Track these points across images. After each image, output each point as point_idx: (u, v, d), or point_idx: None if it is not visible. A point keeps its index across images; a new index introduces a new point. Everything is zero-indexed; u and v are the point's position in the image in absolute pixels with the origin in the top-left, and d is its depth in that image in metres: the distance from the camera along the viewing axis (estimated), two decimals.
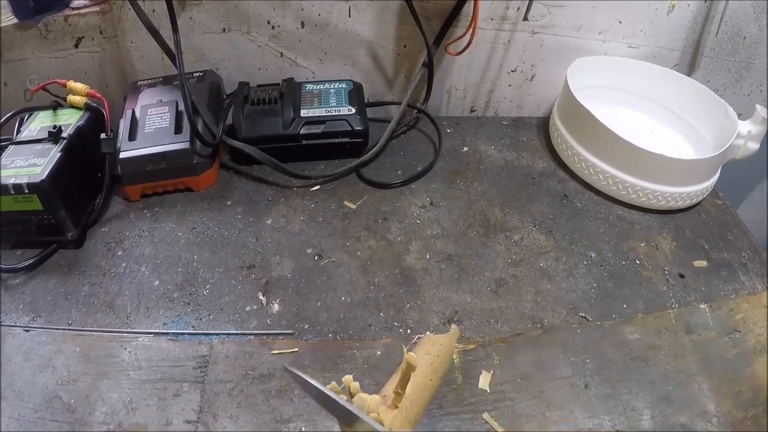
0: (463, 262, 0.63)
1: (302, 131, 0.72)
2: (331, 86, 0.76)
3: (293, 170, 0.70)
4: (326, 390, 0.34)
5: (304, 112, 0.72)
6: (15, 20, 0.68)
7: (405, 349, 0.34)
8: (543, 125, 0.85)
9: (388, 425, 0.35)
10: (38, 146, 0.61)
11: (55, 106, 0.67)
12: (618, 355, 0.54)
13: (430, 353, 0.44)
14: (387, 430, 0.35)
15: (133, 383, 0.50)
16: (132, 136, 0.66)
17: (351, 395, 0.35)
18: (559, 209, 0.70)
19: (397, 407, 0.38)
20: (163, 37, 0.66)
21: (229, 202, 0.69)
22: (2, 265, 0.58)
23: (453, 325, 0.49)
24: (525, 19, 0.75)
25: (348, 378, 0.35)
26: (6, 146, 0.62)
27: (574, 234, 0.67)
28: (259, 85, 0.76)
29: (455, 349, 0.53)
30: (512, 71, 0.82)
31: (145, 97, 0.70)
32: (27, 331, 0.54)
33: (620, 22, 0.78)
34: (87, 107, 0.66)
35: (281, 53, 0.78)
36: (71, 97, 0.66)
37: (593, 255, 0.64)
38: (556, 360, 0.53)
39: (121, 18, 0.72)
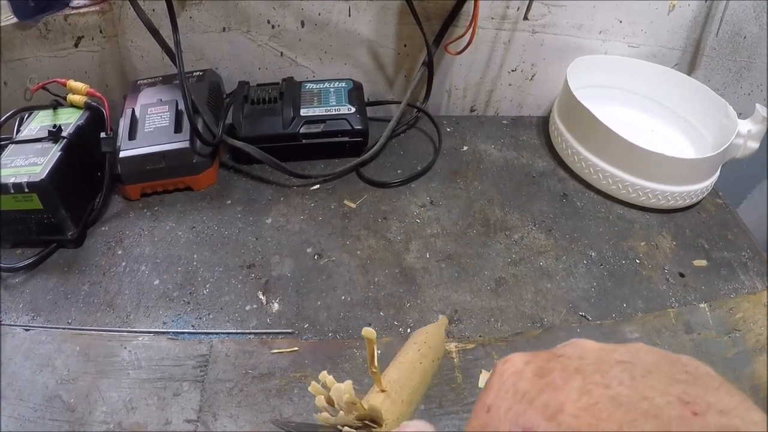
0: (463, 261, 0.63)
1: (302, 130, 0.72)
2: (331, 85, 0.76)
3: (293, 169, 0.70)
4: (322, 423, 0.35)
5: (303, 112, 0.72)
6: (15, 20, 0.68)
7: (363, 329, 0.34)
8: (543, 124, 0.85)
9: (375, 407, 0.36)
10: (38, 145, 0.61)
11: (55, 106, 0.67)
12: None
13: (417, 342, 0.45)
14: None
15: (133, 382, 0.50)
16: (132, 135, 0.66)
17: (328, 389, 0.35)
18: (559, 208, 0.70)
19: (384, 391, 0.38)
20: (163, 36, 0.66)
21: (229, 202, 0.69)
22: (2, 265, 0.58)
23: (441, 316, 0.49)
24: (525, 18, 0.75)
25: (323, 374, 0.35)
26: (6, 145, 0.62)
27: (574, 233, 0.67)
28: (258, 85, 0.76)
29: (455, 349, 0.53)
30: (512, 71, 0.82)
31: (145, 97, 0.70)
32: (27, 330, 0.54)
33: (620, 22, 0.78)
34: (87, 106, 0.66)
35: (281, 53, 0.78)
36: (71, 97, 0.66)
37: (593, 254, 0.64)
38: None
39: (121, 17, 0.72)
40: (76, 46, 0.72)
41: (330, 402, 0.36)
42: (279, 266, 0.61)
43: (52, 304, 0.56)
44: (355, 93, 0.75)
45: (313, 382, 0.36)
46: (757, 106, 0.68)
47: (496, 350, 0.54)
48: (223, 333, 0.55)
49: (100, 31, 0.72)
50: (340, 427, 0.35)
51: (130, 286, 0.59)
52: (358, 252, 0.63)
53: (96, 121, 0.66)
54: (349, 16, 0.74)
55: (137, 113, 0.68)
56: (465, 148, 0.79)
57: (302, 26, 0.75)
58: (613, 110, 0.80)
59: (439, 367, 0.47)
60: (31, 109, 0.67)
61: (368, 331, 0.34)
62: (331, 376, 0.35)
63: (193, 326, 0.55)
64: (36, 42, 0.71)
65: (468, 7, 0.72)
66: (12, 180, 0.56)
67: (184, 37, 0.68)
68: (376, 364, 0.36)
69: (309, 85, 0.76)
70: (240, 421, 0.47)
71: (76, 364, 0.51)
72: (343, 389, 0.34)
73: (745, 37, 0.80)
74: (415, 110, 0.83)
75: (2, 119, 0.64)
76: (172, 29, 0.64)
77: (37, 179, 0.56)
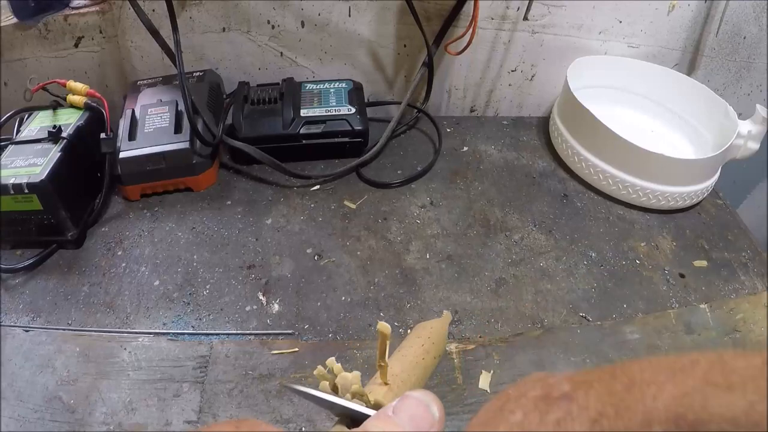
0: (463, 261, 0.63)
1: (302, 131, 0.72)
2: (331, 86, 0.76)
3: (293, 170, 0.70)
4: (327, 396, 0.34)
5: (304, 112, 0.72)
6: (15, 20, 0.68)
7: (378, 322, 0.34)
8: (543, 125, 0.85)
9: (380, 401, 0.36)
10: (38, 146, 0.61)
11: (55, 106, 0.67)
12: (618, 355, 0.54)
13: (420, 336, 0.45)
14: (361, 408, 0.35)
15: (133, 383, 0.50)
16: (132, 135, 0.66)
17: (335, 376, 0.35)
18: (559, 209, 0.70)
19: (387, 384, 0.38)
20: (163, 36, 0.66)
21: (229, 202, 0.69)
22: (2, 265, 0.58)
23: (445, 311, 0.50)
24: (525, 18, 0.75)
25: (331, 360, 0.35)
26: (6, 146, 0.62)
27: (574, 234, 0.67)
28: (259, 85, 0.76)
29: (456, 350, 0.53)
30: (512, 71, 0.82)
31: (145, 97, 0.70)
32: (27, 331, 0.54)
33: (620, 22, 0.78)
34: (87, 107, 0.66)
35: (281, 53, 0.78)
36: (71, 97, 0.66)
37: (593, 255, 0.64)
38: (556, 360, 0.53)
39: (121, 18, 0.72)
40: (76, 46, 0.72)
41: (334, 389, 0.36)
42: (279, 267, 0.61)
43: (52, 305, 0.56)
44: (355, 93, 0.75)
45: (319, 366, 0.35)
46: (758, 106, 0.68)
47: (497, 351, 0.54)
48: (223, 334, 0.55)
49: (100, 32, 0.72)
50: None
51: (130, 287, 0.59)
52: (358, 253, 0.63)
53: (96, 121, 0.66)
54: (349, 16, 0.74)
55: (137, 114, 0.68)
56: (465, 148, 0.79)
57: (302, 26, 0.75)
58: (613, 111, 0.80)
59: (438, 365, 0.47)
60: (30, 110, 0.67)
61: (383, 326, 0.34)
62: (339, 364, 0.35)
63: (193, 327, 0.55)
64: (36, 42, 0.70)
65: (468, 7, 0.72)
66: (12, 181, 0.56)
67: (184, 37, 0.68)
68: (386, 358, 0.36)
69: (309, 85, 0.76)
70: None
71: (76, 365, 0.51)
72: (350, 379, 0.34)
73: (744, 38, 0.80)
74: (415, 111, 0.82)
75: (2, 120, 0.64)
76: (172, 29, 0.63)
77: (37, 180, 0.56)
